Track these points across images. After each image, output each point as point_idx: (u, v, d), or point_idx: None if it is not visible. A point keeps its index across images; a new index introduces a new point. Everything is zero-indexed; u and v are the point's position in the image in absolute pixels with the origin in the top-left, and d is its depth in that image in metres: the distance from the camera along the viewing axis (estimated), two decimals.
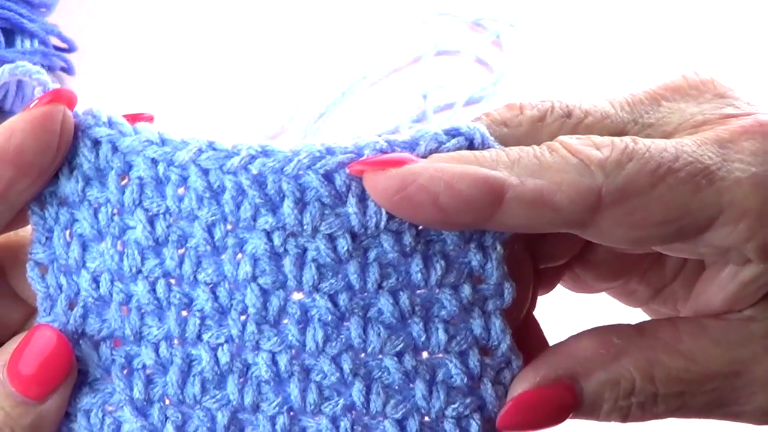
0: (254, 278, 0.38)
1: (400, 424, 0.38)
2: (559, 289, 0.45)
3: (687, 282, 0.42)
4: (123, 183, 0.39)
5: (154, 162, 0.39)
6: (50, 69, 0.87)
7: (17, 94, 0.83)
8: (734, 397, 0.38)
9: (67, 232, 0.40)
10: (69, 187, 0.40)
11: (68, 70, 0.89)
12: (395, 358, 0.38)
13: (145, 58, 0.93)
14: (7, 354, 0.38)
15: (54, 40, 0.89)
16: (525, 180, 0.35)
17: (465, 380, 0.39)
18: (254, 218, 0.38)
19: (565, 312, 0.57)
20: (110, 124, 0.39)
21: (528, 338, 0.41)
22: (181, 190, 0.39)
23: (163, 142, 0.39)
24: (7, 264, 0.42)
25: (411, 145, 0.37)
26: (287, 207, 0.37)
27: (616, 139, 0.36)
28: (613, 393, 0.37)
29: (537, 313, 0.43)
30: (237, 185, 0.38)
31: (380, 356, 0.38)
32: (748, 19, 1.01)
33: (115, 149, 0.39)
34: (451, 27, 0.99)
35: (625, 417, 0.38)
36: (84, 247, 0.40)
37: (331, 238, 0.37)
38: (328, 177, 0.37)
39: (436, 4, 1.01)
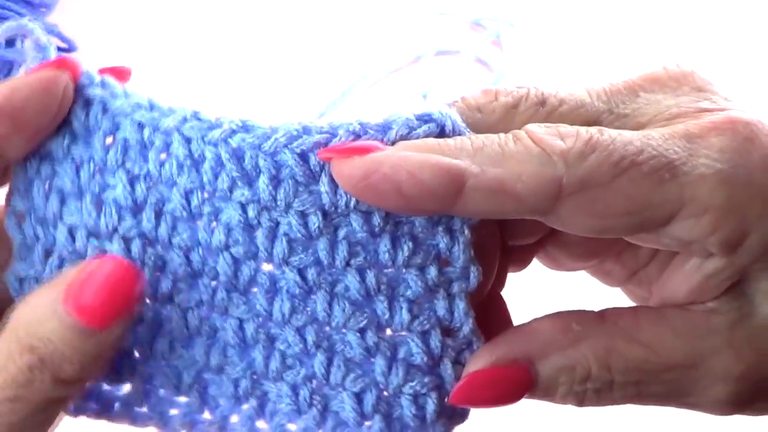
0: (227, 247, 0.39)
1: (358, 396, 0.39)
2: (531, 270, 0.45)
3: (661, 266, 0.42)
4: (108, 143, 0.40)
5: (141, 126, 0.40)
6: None
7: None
8: (691, 387, 0.38)
9: (47, 185, 0.41)
10: (55, 142, 0.41)
11: None
12: (358, 334, 0.39)
13: (145, 58, 0.93)
14: (60, 286, 0.38)
15: (54, 40, 0.89)
16: (486, 169, 0.36)
17: (425, 359, 0.39)
18: (230, 190, 0.38)
19: (537, 293, 0.57)
20: (103, 85, 0.41)
21: (493, 318, 0.42)
22: (163, 156, 0.39)
23: (152, 107, 0.40)
24: None
25: (383, 129, 0.38)
26: (262, 183, 0.38)
27: (582, 129, 0.36)
28: (568, 378, 0.38)
29: (507, 293, 0.44)
30: (216, 156, 0.38)
31: (344, 330, 0.39)
32: (749, 18, 1.01)
33: (105, 110, 0.40)
34: (451, 27, 0.99)
35: (580, 401, 0.38)
36: (62, 202, 0.41)
37: (303, 215, 0.38)
38: (303, 156, 0.38)
39: (436, 4, 1.01)
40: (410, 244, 0.39)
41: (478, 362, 0.39)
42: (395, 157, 0.36)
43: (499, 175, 0.35)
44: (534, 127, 0.37)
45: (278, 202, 0.38)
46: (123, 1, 1.00)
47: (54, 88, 0.39)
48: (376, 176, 0.36)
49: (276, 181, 0.38)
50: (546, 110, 0.38)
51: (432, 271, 0.39)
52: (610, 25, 1.00)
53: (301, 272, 0.39)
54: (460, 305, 0.39)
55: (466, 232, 0.39)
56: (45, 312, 0.37)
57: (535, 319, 0.39)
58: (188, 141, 0.39)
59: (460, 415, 0.40)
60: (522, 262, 0.45)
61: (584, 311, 0.39)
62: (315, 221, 0.38)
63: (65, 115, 0.40)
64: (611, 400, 0.38)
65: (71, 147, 0.41)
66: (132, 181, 0.40)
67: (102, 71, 0.41)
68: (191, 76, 0.92)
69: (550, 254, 0.45)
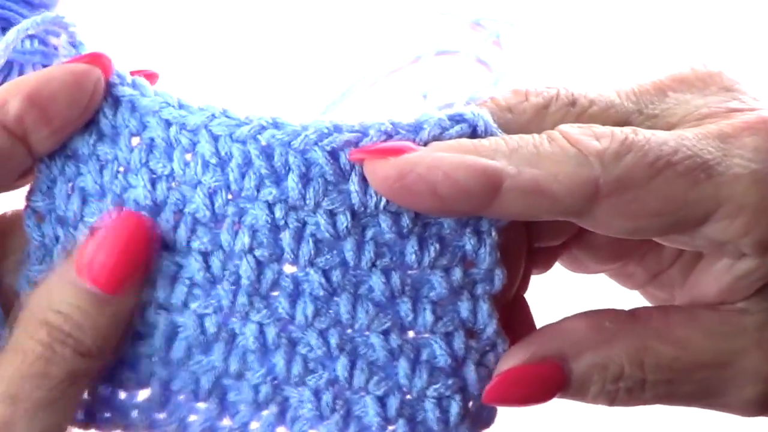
0: (251, 249, 0.38)
1: (381, 400, 0.39)
2: (553, 272, 0.45)
3: (684, 269, 0.42)
4: (134, 144, 0.40)
5: (168, 124, 0.39)
6: None
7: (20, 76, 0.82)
8: (721, 388, 0.38)
9: (70, 184, 0.40)
10: (81, 140, 0.40)
11: None
12: (381, 336, 0.38)
13: (145, 58, 0.93)
14: (72, 259, 0.38)
15: (54, 40, 0.89)
16: (522, 169, 0.35)
17: (449, 361, 0.39)
18: (258, 188, 0.38)
19: (558, 295, 0.57)
20: (134, 85, 0.40)
21: (516, 320, 0.42)
22: (188, 156, 0.39)
23: (181, 106, 0.39)
24: None
25: (415, 129, 0.37)
26: (292, 181, 0.37)
27: (617, 129, 0.36)
28: (601, 376, 0.38)
29: (529, 295, 0.44)
30: (244, 154, 0.38)
31: (367, 333, 0.38)
32: (750, 17, 1.01)
33: (133, 109, 0.40)
34: (451, 27, 0.99)
35: (612, 401, 0.38)
36: (84, 201, 0.40)
37: (332, 214, 0.38)
38: (333, 154, 0.37)
39: (436, 4, 1.01)
40: (437, 245, 0.38)
41: (510, 360, 0.39)
42: (430, 157, 0.36)
43: (535, 176, 0.35)
44: (568, 128, 0.37)
45: (307, 201, 0.37)
46: (123, 1, 0.99)
47: (85, 82, 0.39)
48: (411, 177, 0.35)
49: (305, 179, 0.37)
50: (576, 111, 0.38)
51: (457, 273, 0.39)
52: (611, 24, 1.00)
53: (326, 273, 0.38)
54: (484, 307, 0.39)
55: (494, 234, 0.39)
56: (59, 286, 0.38)
57: (567, 318, 0.39)
58: (216, 138, 0.38)
59: (485, 420, 0.40)
60: (545, 264, 0.45)
61: (615, 310, 0.39)
62: (344, 221, 0.38)
63: (94, 111, 0.40)
64: (642, 400, 0.38)
65: (97, 145, 0.40)
66: (154, 181, 0.39)
67: (132, 73, 0.41)
68: (192, 76, 0.92)
69: (574, 256, 0.44)
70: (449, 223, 0.38)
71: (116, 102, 0.40)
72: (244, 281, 0.38)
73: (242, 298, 0.38)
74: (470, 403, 0.39)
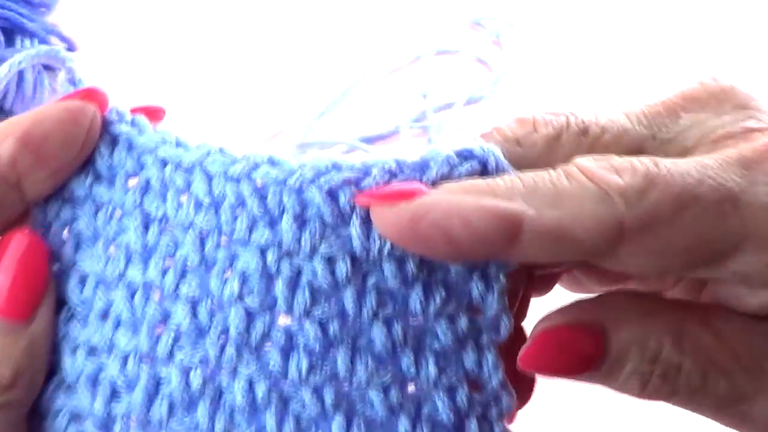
0: (240, 297, 0.35)
1: None
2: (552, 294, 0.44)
3: (688, 289, 0.41)
4: (131, 185, 0.38)
5: (164, 163, 0.37)
6: (50, 69, 0.87)
7: (17, 93, 0.82)
8: (751, 395, 0.36)
9: (66, 229, 0.38)
10: (77, 181, 0.38)
11: None
12: (381, 392, 0.36)
13: (145, 58, 0.93)
14: None
15: (54, 40, 0.89)
16: (543, 212, 0.33)
17: (451, 417, 0.36)
18: (250, 231, 0.35)
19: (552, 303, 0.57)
20: (132, 123, 0.38)
21: (515, 351, 0.40)
22: (183, 198, 0.36)
23: (178, 144, 0.37)
24: None
25: (421, 167, 0.35)
26: (286, 222, 0.35)
27: (636, 161, 0.35)
28: (639, 352, 0.36)
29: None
30: (238, 194, 0.35)
31: (365, 388, 0.36)
32: (751, 20, 1.01)
33: (130, 148, 0.38)
34: (451, 27, 0.99)
35: (643, 386, 0.36)
36: (77, 247, 0.38)
37: (330, 261, 0.35)
38: (331, 194, 0.35)
39: (436, 4, 1.01)
40: (443, 292, 0.36)
41: (548, 321, 0.36)
42: (445, 202, 0.34)
43: (556, 218, 0.33)
44: (585, 162, 0.34)
45: (302, 245, 0.35)
46: (123, 1, 0.99)
47: (81, 119, 0.37)
48: (424, 223, 0.33)
49: (301, 220, 0.35)
50: (589, 140, 0.37)
51: (463, 321, 0.36)
52: (611, 25, 1.00)
53: (323, 325, 0.35)
54: (490, 357, 0.37)
55: (502, 279, 0.36)
56: None
57: (607, 293, 0.38)
58: (210, 178, 0.36)
59: None
60: (545, 289, 0.43)
61: (653, 293, 0.38)
62: (343, 268, 0.35)
63: (90, 150, 0.38)
64: (672, 392, 0.36)
65: (93, 187, 0.38)
66: (147, 224, 0.37)
67: (134, 111, 0.39)
68: (191, 76, 0.92)
69: (575, 279, 0.43)
70: (456, 268, 0.36)
71: (113, 141, 0.38)
72: (233, 332, 0.35)
73: (230, 350, 0.36)
74: None
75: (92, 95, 0.38)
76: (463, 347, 0.37)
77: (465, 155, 0.36)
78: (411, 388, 0.36)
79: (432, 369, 0.36)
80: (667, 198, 0.34)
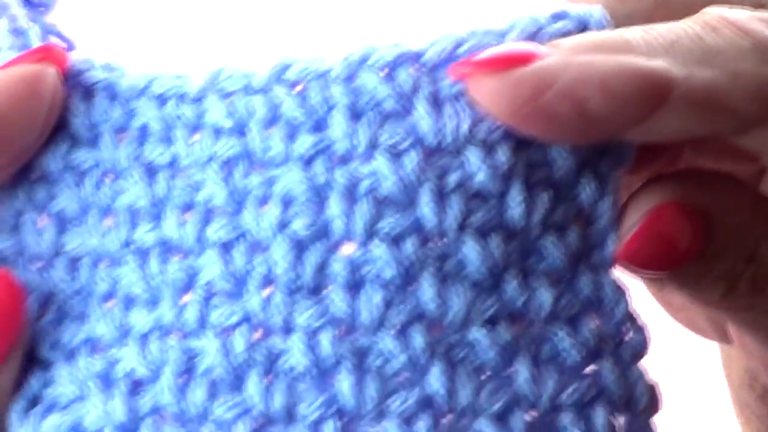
0: (284, 225, 0.27)
1: (501, 420, 0.26)
2: None
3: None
4: (120, 138, 0.31)
5: (162, 100, 0.31)
6: None
7: None
8: None
9: (43, 214, 0.31)
10: (48, 156, 0.31)
11: None
12: (485, 329, 0.27)
13: (145, 59, 0.93)
14: None
15: (54, 40, 0.89)
16: (694, 72, 0.27)
17: (579, 356, 0.28)
18: (290, 138, 0.28)
19: None
20: (107, 68, 0.32)
21: None
22: (196, 136, 0.30)
23: (178, 76, 0.31)
24: None
25: (501, 33, 0.28)
26: (335, 120, 0.28)
27: None
28: (737, 245, 0.30)
29: None
30: (269, 102, 0.29)
31: (464, 328, 0.27)
32: None
33: (113, 96, 0.32)
34: (450, 27, 0.99)
35: (730, 288, 0.31)
36: (61, 230, 0.32)
37: (395, 157, 0.27)
38: (389, 74, 0.28)
39: (435, 4, 1.01)
40: (550, 192, 0.28)
41: (650, 197, 0.30)
42: (576, 63, 0.26)
43: (709, 80, 0.27)
44: (731, 13, 0.28)
45: (359, 142, 0.28)
46: (123, 1, 0.99)
47: (40, 90, 0.30)
48: (552, 94, 0.26)
49: (352, 113, 0.28)
50: None
51: (573, 234, 0.28)
52: None
53: (396, 244, 0.27)
54: (608, 280, 0.29)
55: (616, 177, 0.29)
56: None
57: (713, 173, 0.32)
58: (228, 97, 0.30)
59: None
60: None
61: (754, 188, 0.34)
62: (413, 160, 0.27)
63: (56, 119, 0.31)
64: (754, 303, 0.31)
65: (70, 154, 0.32)
66: (152, 175, 0.30)
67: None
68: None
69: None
70: (563, 161, 0.28)
71: (88, 93, 0.32)
72: (279, 271, 0.27)
73: (278, 297, 0.27)
74: (614, 414, 0.28)
75: (48, 54, 0.31)
76: (577, 268, 0.28)
77: (558, 15, 0.29)
78: (523, 323, 0.28)
79: (546, 297, 0.28)
80: None
